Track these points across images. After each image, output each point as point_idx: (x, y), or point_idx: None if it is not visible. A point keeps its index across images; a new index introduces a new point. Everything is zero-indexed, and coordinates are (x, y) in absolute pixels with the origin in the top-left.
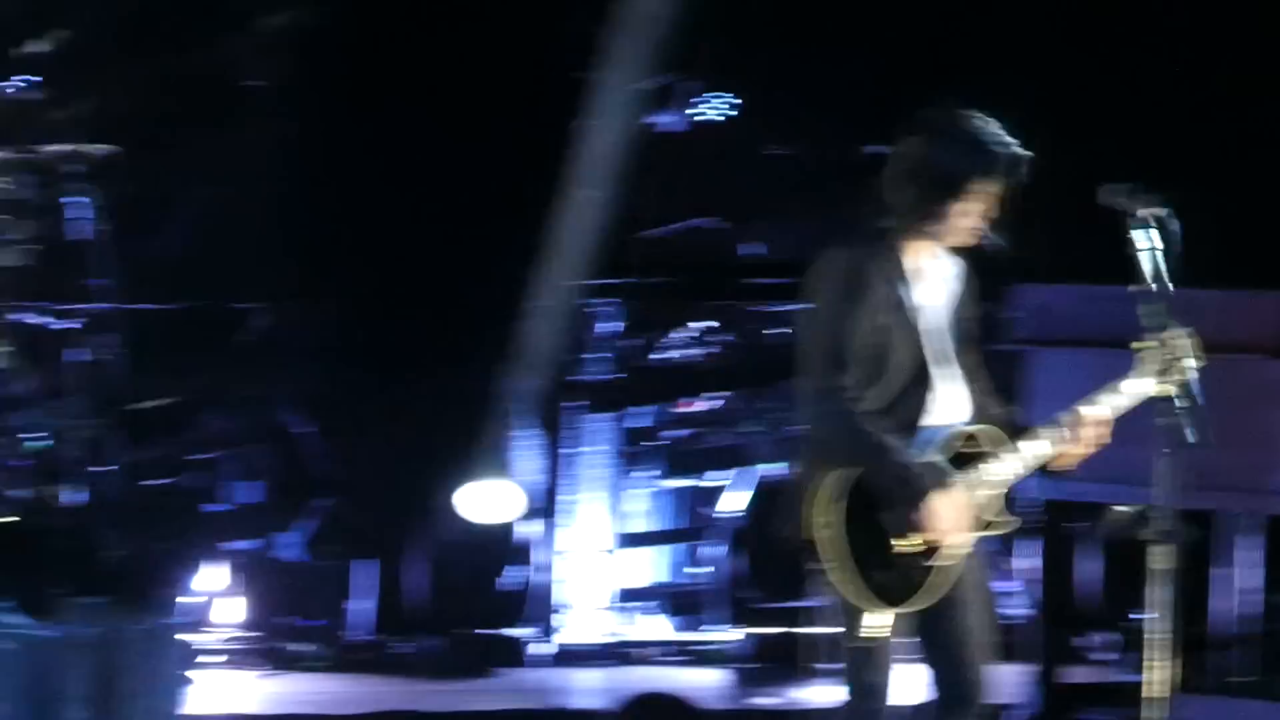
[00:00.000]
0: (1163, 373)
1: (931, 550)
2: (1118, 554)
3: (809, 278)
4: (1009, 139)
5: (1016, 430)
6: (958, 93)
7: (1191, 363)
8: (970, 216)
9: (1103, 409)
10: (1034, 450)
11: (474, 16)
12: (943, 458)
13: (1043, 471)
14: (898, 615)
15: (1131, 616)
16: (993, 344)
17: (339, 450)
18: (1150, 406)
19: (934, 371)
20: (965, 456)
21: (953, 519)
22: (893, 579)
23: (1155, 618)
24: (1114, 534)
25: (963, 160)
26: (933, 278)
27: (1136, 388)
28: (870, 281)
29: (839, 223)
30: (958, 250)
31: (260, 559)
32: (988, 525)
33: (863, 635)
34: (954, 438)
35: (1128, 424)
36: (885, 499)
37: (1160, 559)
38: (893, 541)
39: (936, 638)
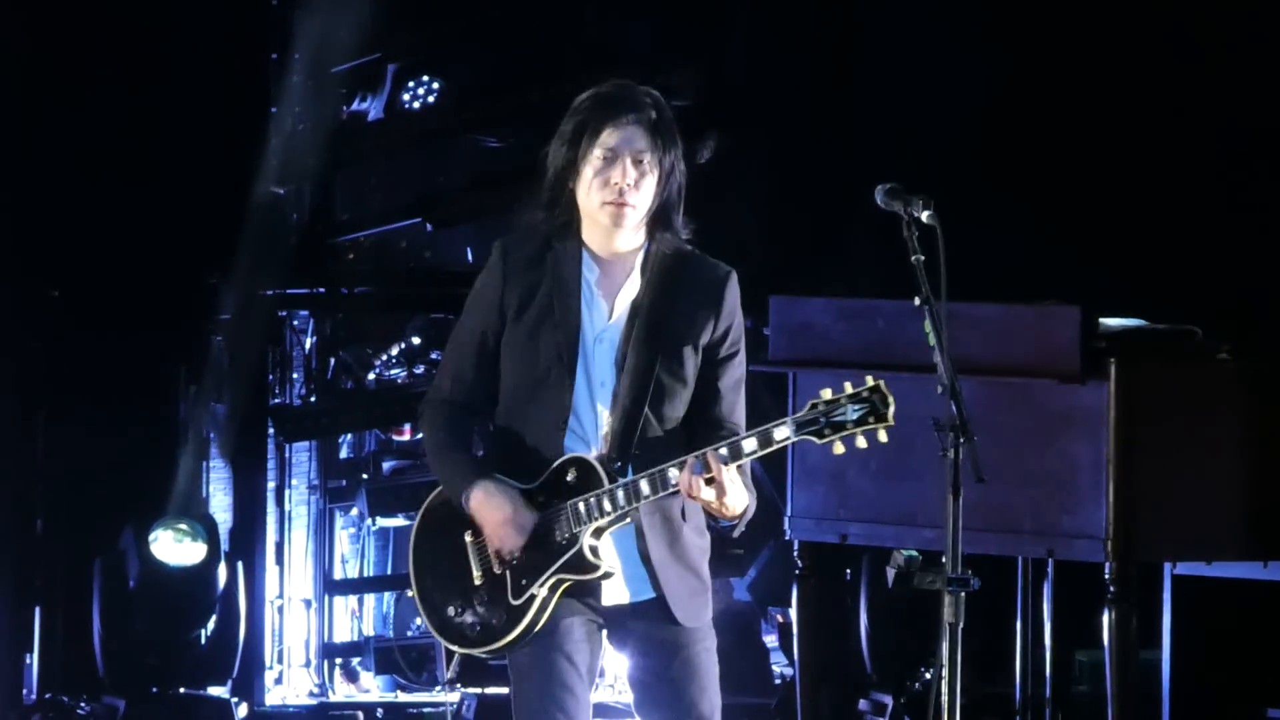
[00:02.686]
0: (820, 428)
1: (504, 587)
2: (890, 605)
3: None
4: (630, 88)
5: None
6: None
7: (877, 424)
8: (599, 185)
9: (720, 455)
10: (642, 491)
11: None
12: (535, 481)
13: (711, 519)
14: (488, 655)
15: (914, 678)
16: (751, 365)
17: (2, 483)
18: (932, 441)
19: (577, 392)
20: (568, 488)
21: (504, 519)
22: (465, 613)
23: (943, 677)
24: (901, 582)
25: (571, 119)
26: (618, 289)
27: (776, 438)
28: (516, 281)
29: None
30: (692, 271)
31: None
32: (577, 568)
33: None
34: (563, 466)
35: (905, 458)
36: (457, 512)
37: (951, 610)
38: (471, 564)
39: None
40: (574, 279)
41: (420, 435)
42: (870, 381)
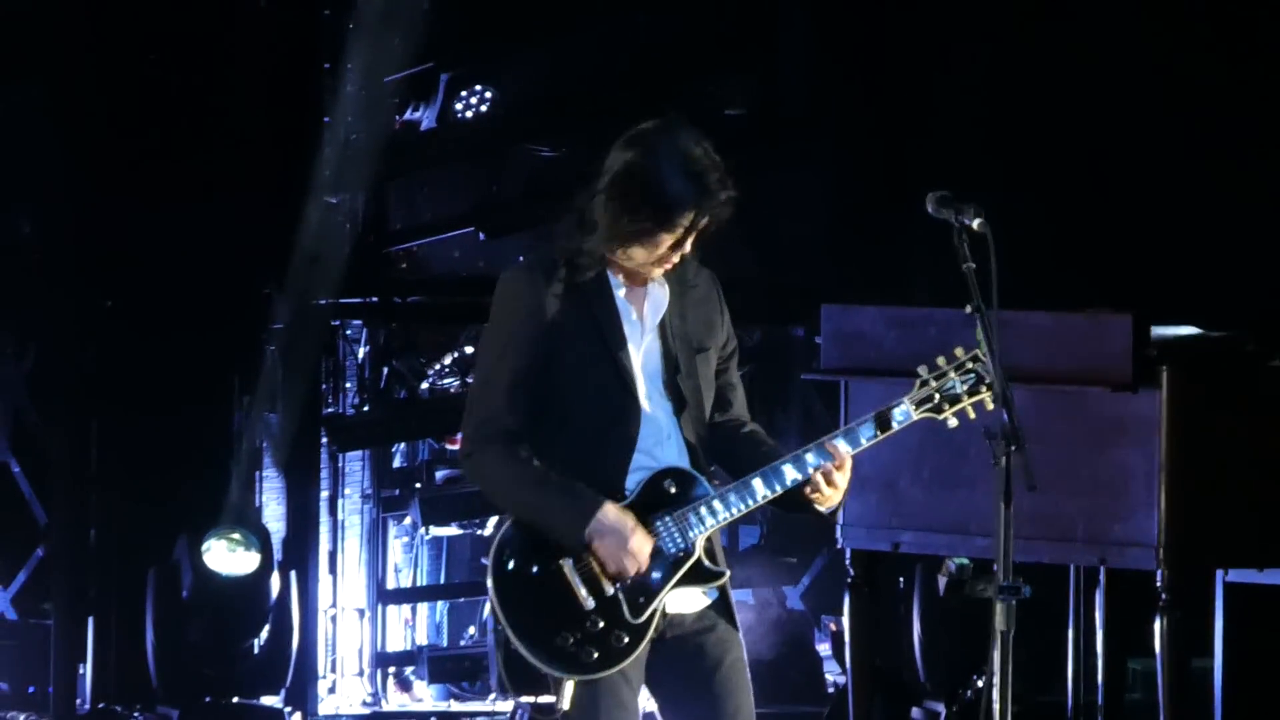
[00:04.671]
0: (938, 403)
1: (619, 607)
2: (942, 613)
3: (494, 301)
4: (721, 172)
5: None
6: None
7: (985, 392)
8: (671, 248)
9: (844, 443)
10: (757, 492)
11: (205, 2)
12: (636, 498)
13: (801, 510)
14: (590, 683)
15: (966, 686)
16: (804, 372)
17: (56, 492)
18: (984, 450)
19: (642, 408)
20: (669, 499)
21: (627, 542)
22: (581, 639)
23: (995, 685)
24: (953, 590)
25: (679, 190)
26: (648, 303)
27: (897, 418)
28: (556, 307)
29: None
30: (690, 271)
31: None
32: (696, 576)
33: (558, 705)
34: (657, 478)
35: (957, 466)
36: (556, 537)
37: (1002, 618)
38: (578, 590)
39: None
40: (608, 297)
41: (478, 476)
42: (960, 352)
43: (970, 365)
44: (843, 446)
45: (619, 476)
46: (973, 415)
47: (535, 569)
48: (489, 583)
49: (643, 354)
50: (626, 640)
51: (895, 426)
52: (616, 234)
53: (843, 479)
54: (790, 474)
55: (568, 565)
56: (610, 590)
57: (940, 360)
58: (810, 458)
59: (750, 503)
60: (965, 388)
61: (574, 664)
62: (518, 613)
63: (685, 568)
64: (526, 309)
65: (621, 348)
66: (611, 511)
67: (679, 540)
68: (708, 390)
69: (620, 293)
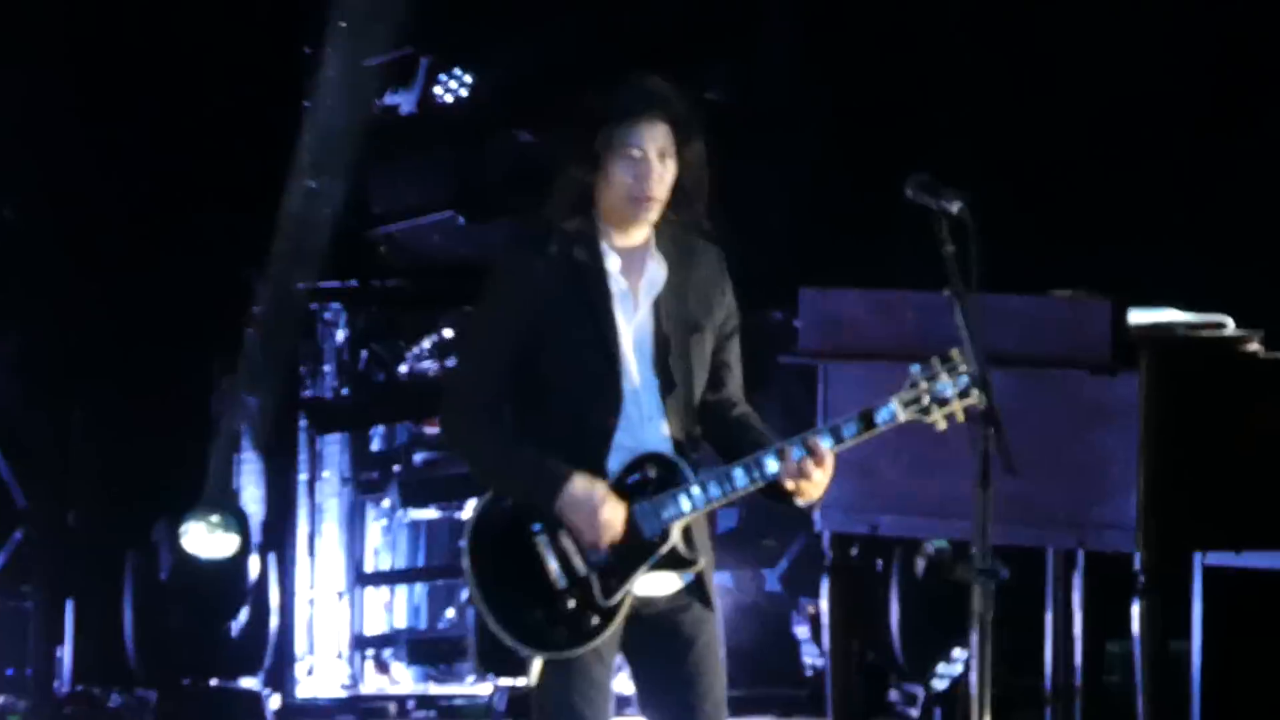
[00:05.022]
0: (927, 405)
1: (591, 588)
2: (920, 596)
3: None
4: (651, 80)
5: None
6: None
7: (970, 393)
8: (625, 181)
9: (826, 440)
10: (737, 481)
11: None
12: (616, 480)
13: (780, 501)
14: (561, 662)
15: (944, 669)
16: (782, 354)
17: (35, 476)
18: (962, 432)
19: (626, 387)
20: (649, 483)
21: (598, 511)
22: (550, 617)
23: (973, 668)
24: (932, 572)
25: (590, 113)
26: (644, 280)
27: (882, 418)
28: (546, 280)
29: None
30: (695, 248)
31: None
32: (670, 563)
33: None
34: (638, 462)
35: (936, 448)
36: (528, 507)
37: (980, 601)
38: (550, 569)
39: (661, 708)
40: (599, 272)
41: (451, 443)
42: (954, 354)
43: (964, 367)
44: (824, 443)
45: (600, 455)
46: (961, 418)
47: (510, 546)
48: (464, 560)
49: (634, 330)
50: (596, 621)
51: (880, 426)
52: (570, 181)
53: (821, 475)
54: (771, 466)
55: (542, 543)
56: (583, 571)
57: (934, 360)
58: (793, 451)
59: (730, 492)
60: (956, 390)
61: (543, 642)
62: (491, 589)
63: (659, 553)
64: (513, 283)
65: (610, 324)
66: (580, 482)
67: (655, 526)
68: (700, 370)
69: (614, 267)
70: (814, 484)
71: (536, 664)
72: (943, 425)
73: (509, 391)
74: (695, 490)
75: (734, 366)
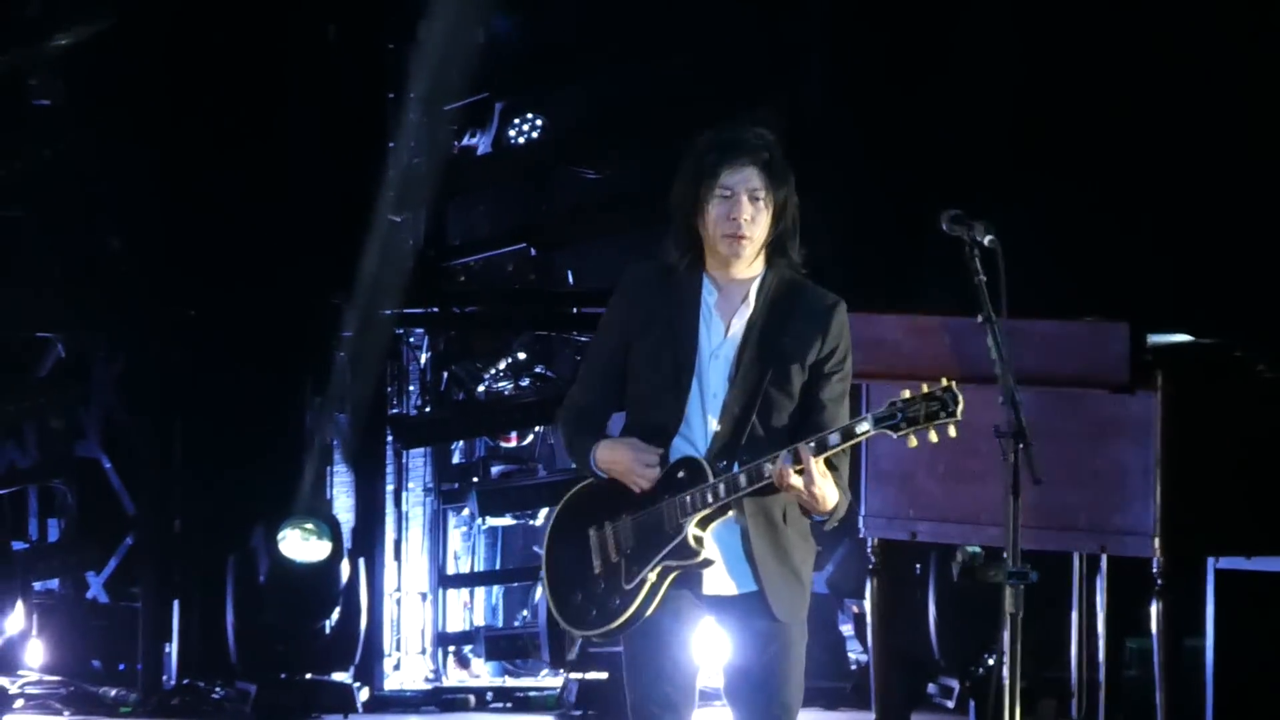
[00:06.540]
0: (897, 422)
1: (618, 573)
2: (956, 597)
3: None
4: (747, 129)
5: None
6: (762, 112)
7: (947, 419)
8: (719, 219)
9: (813, 449)
10: (739, 482)
11: (278, 35)
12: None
13: (805, 515)
14: (603, 637)
15: (978, 664)
16: None
17: (143, 486)
18: (994, 446)
19: (689, 400)
20: (678, 484)
21: (629, 456)
22: (586, 599)
23: (1004, 663)
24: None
25: (692, 161)
26: (737, 313)
27: (858, 430)
28: (648, 302)
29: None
30: (805, 292)
31: (61, 599)
32: (680, 554)
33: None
34: (675, 465)
35: (969, 461)
36: (590, 505)
37: (1011, 601)
38: (593, 555)
39: (736, 704)
40: (694, 301)
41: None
42: (944, 382)
43: (939, 394)
44: (805, 451)
45: (662, 459)
46: (933, 438)
47: (571, 535)
48: (543, 544)
49: (715, 354)
50: (618, 603)
51: (855, 438)
52: (675, 218)
53: (799, 481)
54: (766, 469)
55: (592, 532)
56: (615, 558)
57: (924, 386)
58: (780, 457)
59: (734, 492)
60: (928, 412)
61: (578, 619)
62: (552, 571)
63: (672, 545)
64: (618, 303)
65: (690, 341)
66: (606, 443)
67: (673, 520)
68: (779, 397)
69: (710, 299)
70: (800, 489)
71: (577, 642)
72: (913, 442)
73: (611, 397)
74: (708, 491)
75: (828, 405)
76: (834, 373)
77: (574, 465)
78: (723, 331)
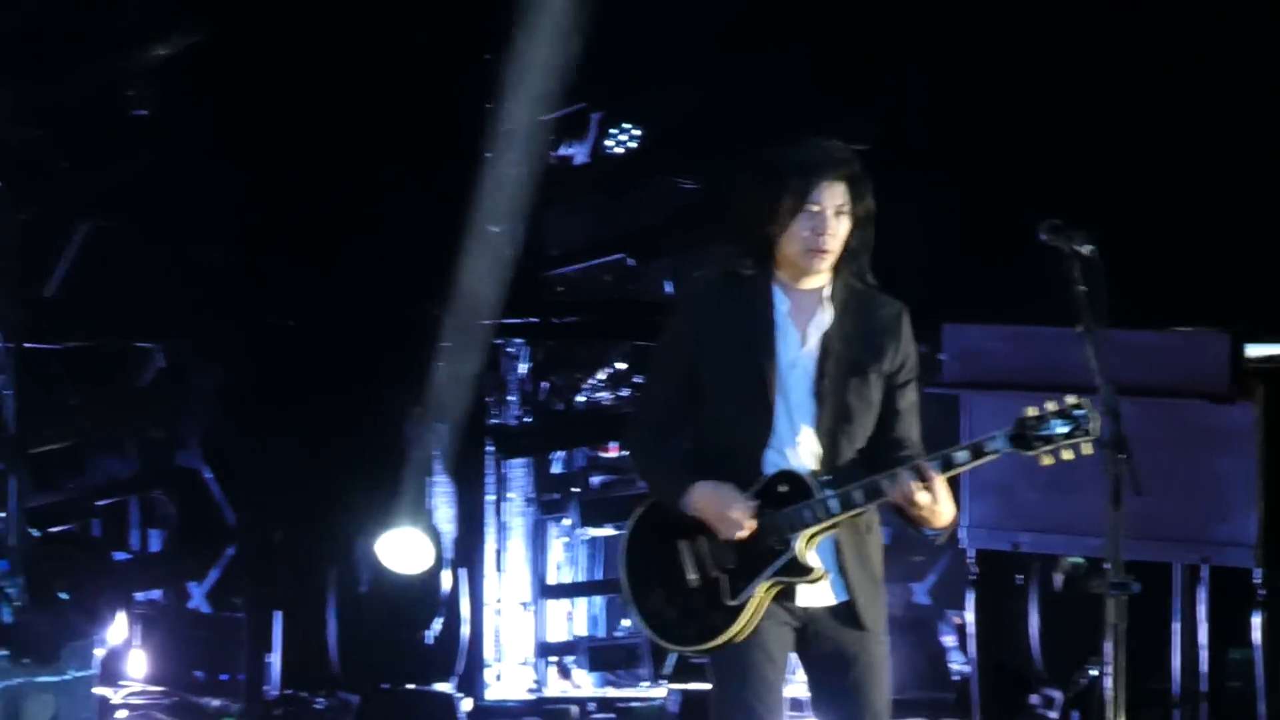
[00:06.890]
0: (1029, 440)
1: (719, 589)
2: (1057, 608)
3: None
4: (831, 143)
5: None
6: (858, 123)
7: (1082, 439)
8: (803, 234)
9: (936, 467)
10: (854, 499)
11: (374, 49)
12: (745, 491)
13: (914, 528)
14: (701, 653)
15: (1080, 674)
16: (925, 387)
17: (245, 496)
18: (1095, 457)
19: (776, 413)
20: (780, 498)
21: (727, 507)
22: (683, 614)
23: (1107, 674)
24: (1068, 586)
25: (771, 173)
26: (812, 322)
27: (989, 449)
28: (716, 315)
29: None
30: (874, 300)
31: (163, 609)
32: (792, 571)
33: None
34: (774, 479)
35: (1070, 472)
36: (677, 517)
37: (1114, 612)
38: (687, 569)
39: (827, 715)
40: (766, 310)
41: (625, 453)
42: (1074, 399)
43: (1071, 412)
44: (931, 469)
45: (753, 469)
46: (1068, 456)
47: (655, 548)
48: (621, 556)
49: (794, 364)
50: (720, 620)
51: (985, 456)
52: (748, 228)
53: (926, 498)
54: (885, 487)
55: (683, 545)
56: (714, 573)
57: (1049, 403)
58: (903, 474)
59: (849, 508)
60: (1062, 431)
61: (672, 635)
62: (636, 585)
63: (782, 561)
64: (685, 318)
65: (767, 356)
66: (707, 484)
67: (779, 536)
68: (862, 409)
69: (783, 308)
70: (923, 506)
71: (671, 657)
72: (1047, 461)
73: (684, 412)
74: (818, 507)
75: (905, 413)
76: (908, 380)
77: (638, 474)
78: (799, 341)
